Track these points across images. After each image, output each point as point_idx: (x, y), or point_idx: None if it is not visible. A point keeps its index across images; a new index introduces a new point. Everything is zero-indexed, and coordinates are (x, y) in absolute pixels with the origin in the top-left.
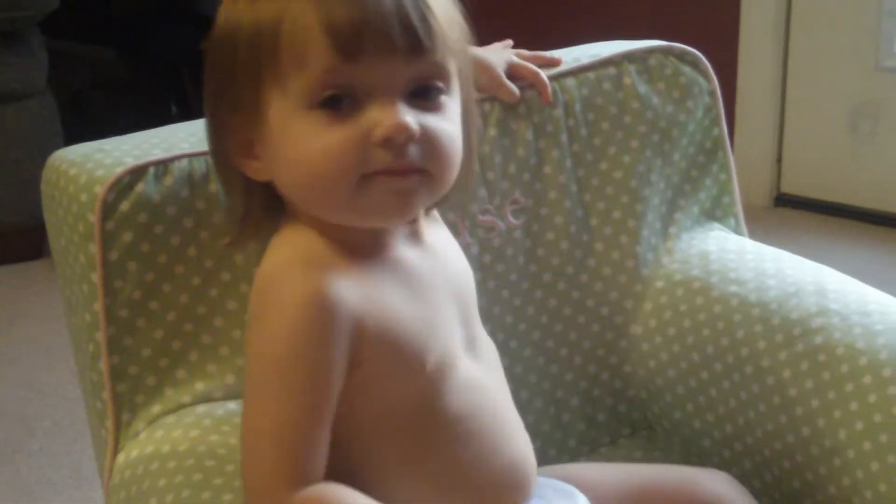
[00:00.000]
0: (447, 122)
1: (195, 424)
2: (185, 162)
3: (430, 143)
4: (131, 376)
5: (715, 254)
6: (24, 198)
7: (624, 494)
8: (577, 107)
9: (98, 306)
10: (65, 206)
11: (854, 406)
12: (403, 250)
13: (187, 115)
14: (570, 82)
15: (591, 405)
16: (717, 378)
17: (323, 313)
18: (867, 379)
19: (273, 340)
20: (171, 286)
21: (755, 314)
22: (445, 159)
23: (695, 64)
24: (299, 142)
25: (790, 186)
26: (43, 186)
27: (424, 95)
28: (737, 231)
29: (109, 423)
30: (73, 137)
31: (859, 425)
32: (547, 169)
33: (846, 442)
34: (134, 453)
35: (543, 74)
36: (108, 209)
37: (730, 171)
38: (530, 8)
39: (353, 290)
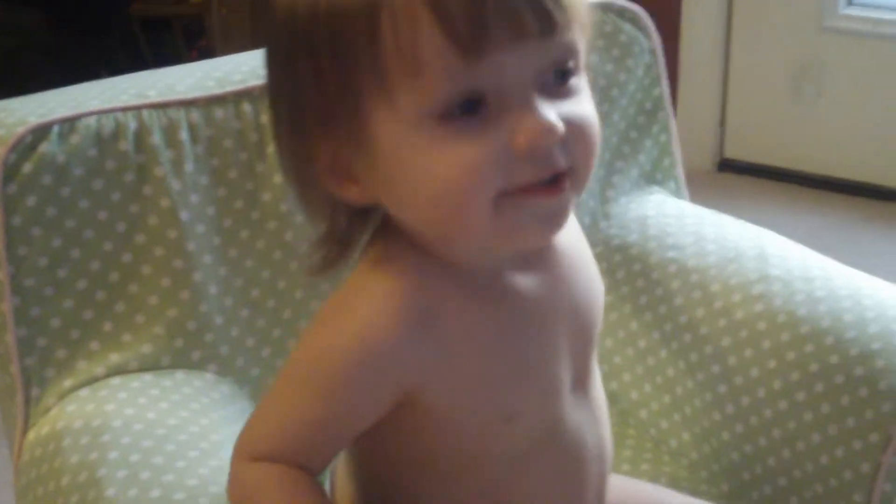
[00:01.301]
0: (585, 105)
1: (109, 398)
2: (92, 119)
3: (575, 136)
4: (40, 349)
5: (654, 218)
6: None
7: None
8: None
9: (1, 275)
10: None
11: (795, 376)
12: (517, 278)
13: None
14: None
15: None
16: (654, 347)
17: (393, 342)
18: (809, 347)
19: (320, 351)
20: (80, 252)
21: (694, 280)
22: (591, 150)
23: (635, 21)
24: (422, 164)
25: (734, 151)
26: None
27: (558, 79)
28: (677, 194)
29: (18, 399)
30: None
31: (801, 395)
32: None
33: (787, 413)
34: (45, 430)
35: None
36: (9, 171)
37: (671, 133)
38: None
39: (440, 327)
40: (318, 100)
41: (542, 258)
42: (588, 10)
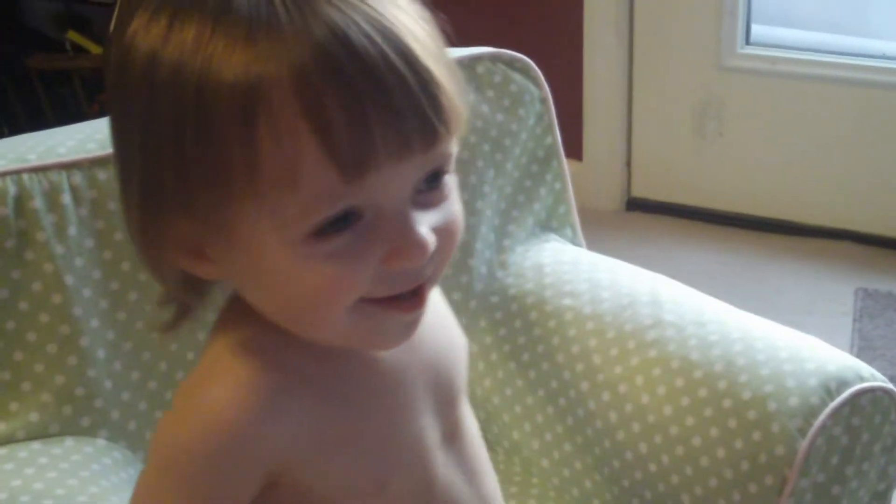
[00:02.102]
0: (454, 206)
1: None
2: None
3: (441, 245)
4: None
5: (550, 266)
6: None
7: None
8: None
9: None
10: None
11: (690, 421)
12: (373, 353)
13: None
14: None
15: None
16: (553, 395)
17: (235, 446)
18: (703, 392)
19: (179, 441)
20: None
21: (589, 328)
22: (453, 250)
23: (525, 71)
24: (285, 272)
25: (640, 190)
26: None
27: (430, 183)
28: (574, 241)
29: None
30: None
31: (696, 441)
32: None
33: (684, 458)
34: None
35: None
36: None
37: (565, 180)
38: None
39: (298, 410)
40: (177, 183)
41: None
42: (465, 108)
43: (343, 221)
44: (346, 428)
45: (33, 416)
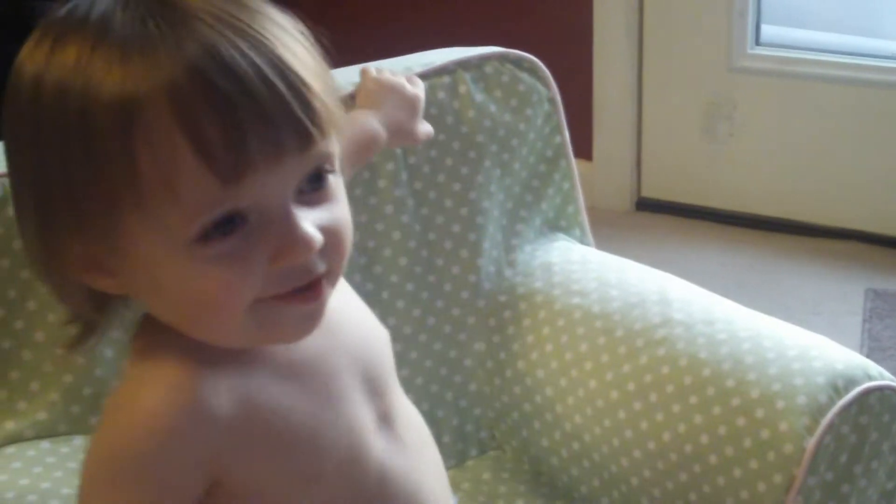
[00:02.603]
0: (340, 207)
1: (3, 468)
2: None
3: (331, 242)
4: None
5: (558, 265)
6: None
7: None
8: None
9: None
10: None
11: (698, 419)
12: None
13: None
14: None
15: (435, 426)
16: (562, 394)
17: (180, 430)
18: (711, 390)
19: (117, 450)
20: None
21: (598, 326)
22: (345, 249)
23: (533, 71)
24: (178, 279)
25: (650, 190)
26: None
27: (313, 184)
28: (582, 241)
29: None
30: None
31: (704, 439)
32: (381, 182)
33: (692, 456)
34: None
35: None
36: None
37: (573, 180)
38: (362, 13)
39: (226, 402)
40: (68, 204)
41: None
42: (341, 110)
43: (228, 225)
44: (274, 417)
45: (41, 415)
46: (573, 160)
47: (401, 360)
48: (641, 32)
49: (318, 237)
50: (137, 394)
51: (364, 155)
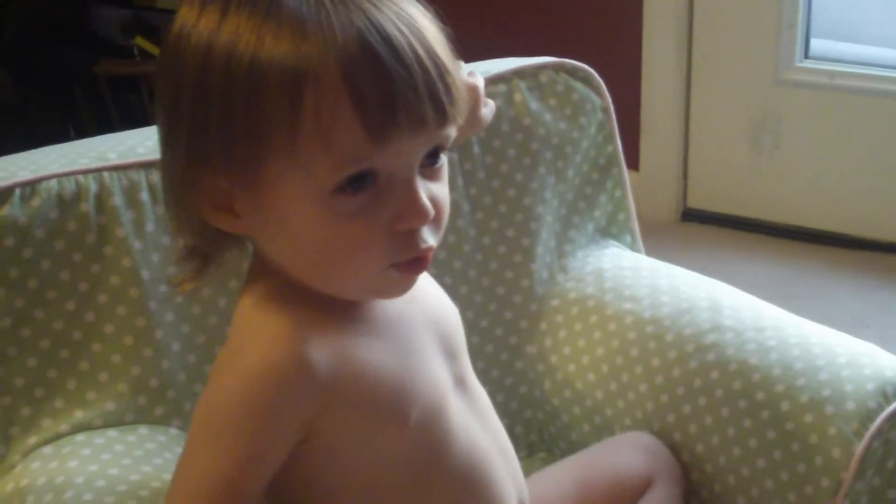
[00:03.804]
0: (445, 187)
1: (73, 455)
2: (53, 182)
3: (437, 217)
4: (4, 407)
5: (610, 271)
6: None
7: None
8: None
9: None
10: None
11: (747, 423)
12: (381, 302)
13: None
14: None
15: None
16: (612, 397)
17: (287, 383)
18: (760, 395)
19: (232, 394)
20: (43, 312)
21: (649, 331)
22: (443, 226)
23: (587, 80)
24: (314, 227)
25: (696, 201)
26: None
27: (432, 160)
28: (633, 248)
29: None
30: None
31: (753, 443)
32: None
33: (740, 459)
34: (9, 487)
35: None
36: None
37: (625, 188)
38: None
39: (325, 358)
40: (220, 140)
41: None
42: (466, 100)
43: (361, 181)
44: (365, 372)
45: (110, 405)
46: (625, 169)
47: None
48: (690, 44)
49: (431, 208)
50: (250, 345)
51: None
